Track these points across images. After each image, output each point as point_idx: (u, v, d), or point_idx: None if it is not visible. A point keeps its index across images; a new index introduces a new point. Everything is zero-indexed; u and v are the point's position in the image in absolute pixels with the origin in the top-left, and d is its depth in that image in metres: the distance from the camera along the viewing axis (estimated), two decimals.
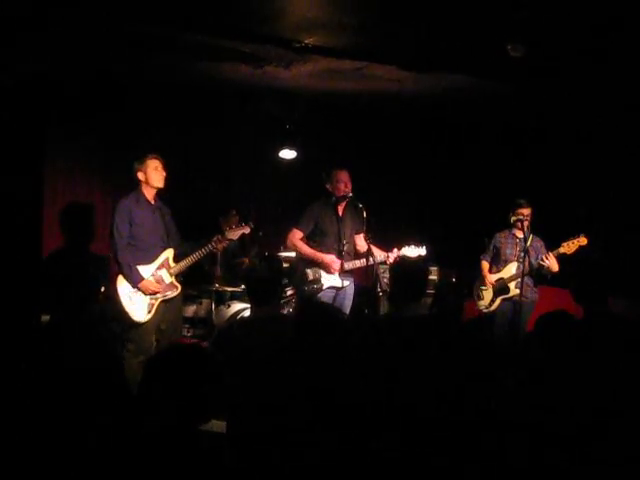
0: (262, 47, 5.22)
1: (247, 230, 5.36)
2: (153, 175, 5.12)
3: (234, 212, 6.77)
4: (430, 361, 3.12)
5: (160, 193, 5.25)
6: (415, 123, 7.63)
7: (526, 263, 5.80)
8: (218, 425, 2.96)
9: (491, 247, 6.34)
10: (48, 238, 6.21)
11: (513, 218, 6.07)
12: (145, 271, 5.09)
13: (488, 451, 2.79)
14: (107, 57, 5.57)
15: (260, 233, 6.67)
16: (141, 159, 5.12)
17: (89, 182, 6.81)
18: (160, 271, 5.15)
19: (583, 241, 5.78)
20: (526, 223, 5.94)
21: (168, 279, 5.18)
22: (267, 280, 3.52)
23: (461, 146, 7.71)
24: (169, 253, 5.22)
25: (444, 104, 6.93)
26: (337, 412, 2.65)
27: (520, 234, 6.07)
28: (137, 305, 5.04)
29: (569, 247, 5.82)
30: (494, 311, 6.21)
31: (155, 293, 5.08)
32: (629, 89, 5.75)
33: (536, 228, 6.06)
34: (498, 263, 6.27)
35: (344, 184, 5.55)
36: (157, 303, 5.11)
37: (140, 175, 5.12)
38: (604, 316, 3.44)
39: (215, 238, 5.20)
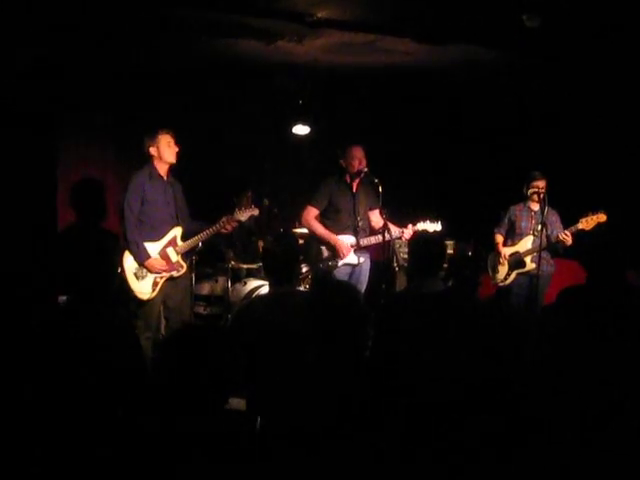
0: (274, 22, 5.19)
1: (256, 212, 5.35)
2: (166, 150, 5.11)
3: (250, 193, 6.76)
4: (448, 336, 3.12)
5: (173, 168, 5.24)
6: (429, 97, 7.56)
7: (543, 237, 5.72)
8: (237, 402, 2.97)
9: (506, 220, 6.27)
10: (62, 218, 6.24)
11: (530, 191, 6.00)
12: (152, 248, 5.10)
13: (508, 425, 2.79)
14: (119, 35, 5.55)
15: (275, 210, 6.67)
16: (153, 134, 5.10)
17: (102, 160, 6.81)
18: (167, 249, 5.15)
19: (602, 218, 5.67)
20: (542, 195, 5.85)
21: (175, 257, 5.18)
22: (285, 259, 3.51)
23: (476, 119, 7.63)
24: (177, 231, 5.21)
25: (458, 77, 6.86)
26: (354, 389, 2.66)
27: (536, 207, 6.03)
28: (142, 282, 5.06)
29: (587, 223, 5.71)
30: (510, 285, 6.15)
31: (161, 272, 5.10)
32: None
33: (552, 201, 5.94)
34: (513, 236, 6.20)
35: (358, 160, 5.51)
36: (162, 282, 5.12)
37: (152, 150, 5.10)
38: (623, 288, 3.41)
39: (224, 219, 5.20)
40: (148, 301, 5.09)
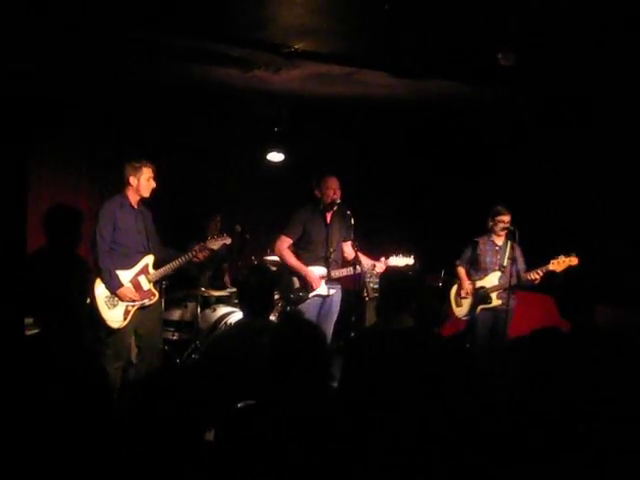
0: (251, 52, 5.22)
1: (228, 241, 5.34)
2: (145, 184, 5.11)
3: (218, 218, 6.76)
4: (412, 374, 3.13)
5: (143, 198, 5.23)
6: (405, 128, 7.64)
7: (513, 273, 5.73)
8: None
9: (469, 253, 6.23)
10: (32, 242, 6.15)
11: (497, 226, 5.99)
12: (124, 276, 5.07)
13: (475, 459, 2.80)
14: (94, 60, 5.53)
15: (247, 236, 6.66)
16: (137, 164, 5.08)
17: (75, 187, 6.74)
18: (139, 277, 5.12)
19: (574, 261, 5.60)
20: (509, 230, 5.88)
21: (146, 286, 5.15)
22: (260, 291, 3.53)
23: (451, 152, 7.73)
24: (149, 259, 5.20)
25: (434, 110, 6.95)
26: (323, 427, 2.64)
27: (500, 241, 6.05)
28: (113, 311, 5.02)
29: (559, 265, 5.64)
30: (474, 319, 6.10)
31: (133, 300, 5.06)
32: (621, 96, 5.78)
33: (521, 239, 5.91)
34: (478, 270, 6.16)
35: (333, 191, 5.52)
36: (133, 310, 5.08)
37: (132, 180, 5.09)
38: (590, 329, 3.45)
39: (196, 247, 5.21)
40: (119, 330, 5.04)
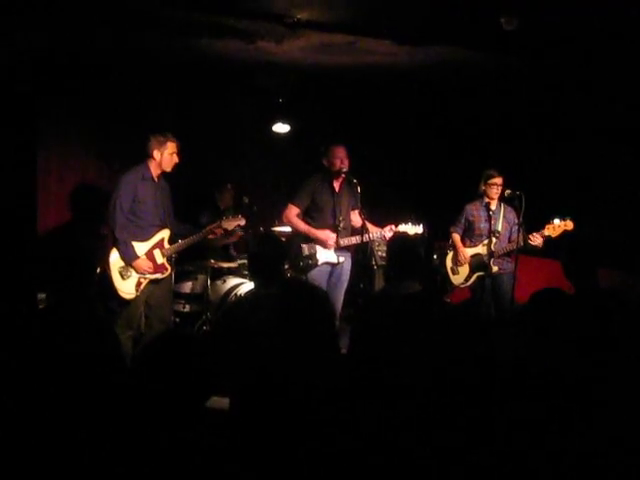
0: (254, 23, 5.20)
1: (243, 222, 5.45)
2: (168, 159, 5.17)
3: (229, 186, 6.82)
4: (420, 338, 3.17)
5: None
6: (409, 97, 7.61)
7: (520, 238, 5.63)
8: (220, 402, 3.01)
9: (462, 220, 6.16)
10: (42, 213, 6.22)
11: (488, 189, 5.94)
12: (140, 248, 5.13)
13: (483, 428, 2.84)
14: (98, 32, 5.54)
15: (255, 208, 6.70)
16: (162, 139, 5.14)
17: (84, 156, 6.79)
18: (154, 250, 5.20)
19: (569, 225, 5.53)
20: (499, 191, 5.86)
21: (160, 259, 5.23)
22: (271, 261, 3.56)
23: (457, 119, 7.71)
24: (165, 233, 5.27)
25: (438, 77, 6.92)
26: (328, 391, 2.69)
27: (493, 205, 5.99)
28: (126, 282, 5.10)
29: (554, 230, 5.58)
30: (471, 287, 6.08)
31: (146, 273, 5.13)
32: (622, 66, 5.75)
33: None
34: (472, 237, 6.10)
35: (340, 160, 5.55)
36: (145, 282, 5.17)
37: (155, 154, 5.14)
38: (593, 292, 3.50)
39: (214, 225, 5.32)
40: (131, 300, 5.12)
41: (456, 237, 6.20)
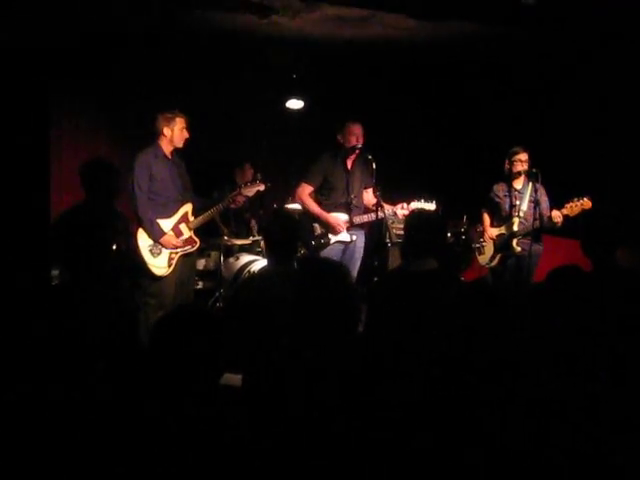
0: None
1: (262, 187, 5.45)
2: (178, 134, 5.17)
3: (248, 165, 6.84)
4: (434, 316, 3.14)
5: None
6: (425, 73, 7.52)
7: (536, 216, 5.63)
8: (233, 379, 3.00)
9: (490, 200, 6.12)
10: (55, 194, 6.20)
11: (512, 167, 5.88)
12: (165, 225, 5.17)
13: (496, 406, 2.82)
14: (107, 11, 5.50)
15: (268, 185, 6.67)
16: (170, 115, 5.13)
17: (95, 137, 6.78)
18: (180, 225, 5.24)
19: (587, 204, 5.49)
20: (525, 167, 5.79)
21: (187, 233, 5.27)
22: (286, 236, 3.54)
23: (473, 95, 7.61)
24: (188, 207, 5.30)
25: (455, 54, 6.82)
26: (343, 367, 2.67)
27: (519, 184, 5.93)
28: (158, 259, 5.14)
29: (572, 209, 5.53)
30: (496, 266, 6.05)
31: (176, 247, 5.15)
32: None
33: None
34: (498, 217, 6.07)
35: (356, 137, 5.51)
36: (177, 257, 5.21)
37: (166, 131, 5.13)
38: (611, 269, 3.46)
39: (235, 193, 5.33)
40: (163, 278, 5.15)
41: (485, 217, 6.18)
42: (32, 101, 5.45)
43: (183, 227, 5.25)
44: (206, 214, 5.32)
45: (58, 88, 6.18)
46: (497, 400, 2.78)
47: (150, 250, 5.11)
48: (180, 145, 5.21)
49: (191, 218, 5.30)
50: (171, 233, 5.16)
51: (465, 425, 2.60)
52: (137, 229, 5.12)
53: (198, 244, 5.38)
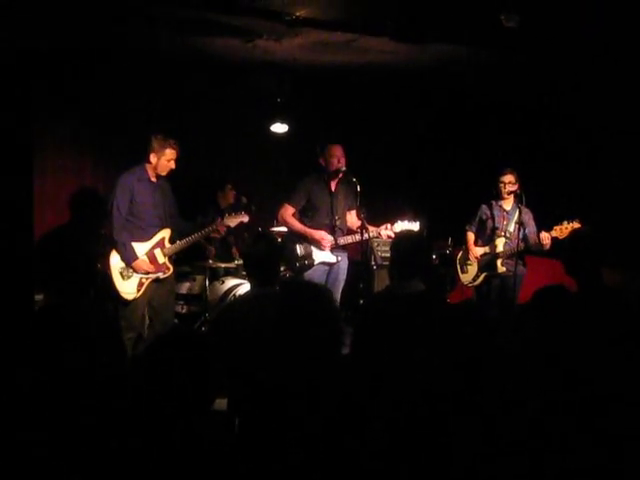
0: (253, 20, 5.18)
1: (246, 219, 5.43)
2: (164, 165, 5.14)
3: (230, 186, 6.80)
4: (422, 338, 3.12)
5: None
6: (408, 94, 7.58)
7: (520, 238, 5.62)
8: (217, 403, 2.96)
9: (477, 219, 6.12)
10: (39, 214, 6.16)
11: (500, 187, 5.86)
12: (140, 249, 5.11)
13: (484, 426, 2.80)
14: (93, 31, 5.50)
15: (253, 208, 6.65)
16: (162, 143, 5.09)
17: (80, 158, 6.74)
18: (155, 250, 5.18)
19: (577, 227, 5.43)
20: (512, 189, 5.79)
21: (162, 259, 5.21)
22: (266, 260, 3.50)
23: (455, 118, 7.67)
24: (165, 233, 5.25)
25: (438, 75, 6.88)
26: (329, 390, 2.65)
27: (507, 205, 5.94)
28: (127, 282, 5.08)
29: (562, 232, 5.48)
30: (479, 286, 6.05)
31: (147, 272, 5.10)
32: (622, 62, 5.71)
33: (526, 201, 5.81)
34: (484, 237, 6.06)
35: (337, 159, 5.49)
36: (147, 282, 5.15)
37: (152, 157, 5.11)
38: (597, 289, 3.45)
39: (217, 222, 5.30)
40: (132, 301, 5.10)
41: (470, 236, 6.17)
42: (15, 118, 5.44)
43: (158, 252, 5.19)
44: (183, 242, 5.27)
45: (41, 105, 6.19)
46: (483, 423, 2.76)
47: (121, 273, 5.07)
48: (163, 174, 5.20)
49: (167, 244, 5.24)
50: (144, 258, 5.10)
51: (450, 449, 2.58)
52: (110, 250, 5.08)
53: (171, 271, 5.31)
